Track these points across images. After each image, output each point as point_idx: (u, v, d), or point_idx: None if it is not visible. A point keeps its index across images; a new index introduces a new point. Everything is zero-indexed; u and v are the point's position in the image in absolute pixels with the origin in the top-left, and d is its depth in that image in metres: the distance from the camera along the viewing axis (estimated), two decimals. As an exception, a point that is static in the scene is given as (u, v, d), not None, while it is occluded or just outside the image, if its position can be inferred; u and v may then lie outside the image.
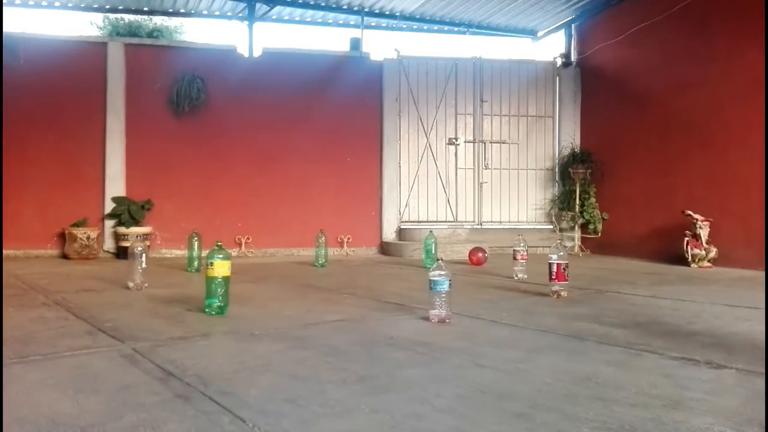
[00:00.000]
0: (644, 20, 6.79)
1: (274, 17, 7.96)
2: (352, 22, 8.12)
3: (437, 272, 2.78)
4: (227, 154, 7.19)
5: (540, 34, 8.66)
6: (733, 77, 5.86)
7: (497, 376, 1.88)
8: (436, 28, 8.48)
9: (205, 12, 7.84)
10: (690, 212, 5.87)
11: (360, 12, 7.87)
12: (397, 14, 8.04)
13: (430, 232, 5.85)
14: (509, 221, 7.89)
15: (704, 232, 5.76)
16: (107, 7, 7.68)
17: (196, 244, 5.28)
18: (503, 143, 7.92)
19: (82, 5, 7.55)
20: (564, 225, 7.74)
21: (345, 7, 7.83)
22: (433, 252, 5.62)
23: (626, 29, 7.07)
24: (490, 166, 7.87)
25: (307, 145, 7.39)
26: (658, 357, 2.14)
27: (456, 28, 8.40)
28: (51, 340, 2.38)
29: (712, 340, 2.42)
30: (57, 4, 7.34)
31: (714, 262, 5.73)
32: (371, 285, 4.37)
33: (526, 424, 1.46)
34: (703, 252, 5.72)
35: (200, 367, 1.97)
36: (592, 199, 7.53)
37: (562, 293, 3.58)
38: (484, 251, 5.98)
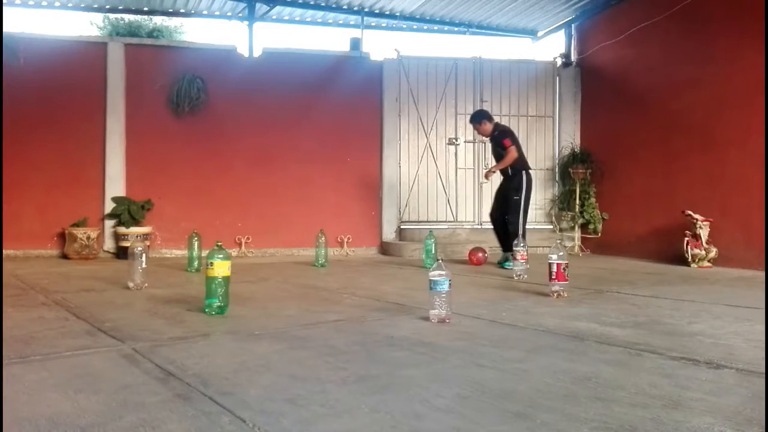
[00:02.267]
0: (644, 20, 6.79)
1: (274, 17, 7.96)
2: (352, 22, 8.12)
3: (437, 272, 2.78)
4: (227, 154, 7.19)
5: (540, 34, 8.66)
6: (733, 78, 5.86)
7: (497, 376, 1.88)
8: (436, 28, 8.48)
9: (205, 12, 7.84)
10: (690, 212, 5.87)
11: (360, 12, 7.87)
12: (397, 14, 8.04)
13: (430, 232, 5.86)
14: (509, 221, 7.88)
15: (704, 232, 5.76)
16: (107, 7, 7.68)
17: (196, 244, 5.28)
18: (503, 143, 7.91)
19: (82, 5, 7.55)
20: (564, 225, 7.74)
21: (345, 7, 7.83)
22: (433, 252, 5.62)
23: (626, 29, 7.07)
24: (490, 166, 7.85)
25: (307, 145, 7.39)
26: (658, 357, 2.14)
27: (456, 28, 8.40)
28: (51, 340, 2.38)
29: (712, 340, 2.42)
30: (57, 4, 7.34)
31: (714, 262, 5.73)
32: (371, 285, 4.37)
33: (526, 424, 1.46)
34: (703, 252, 5.72)
35: (200, 367, 1.97)
36: (592, 199, 7.53)
37: (562, 293, 3.58)
38: (484, 251, 6.00)
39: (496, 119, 7.96)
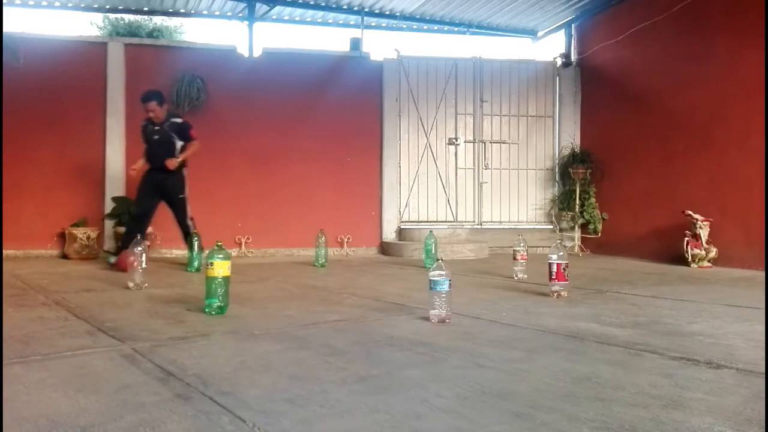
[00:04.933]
0: (644, 20, 6.79)
1: (274, 17, 7.96)
2: (352, 22, 8.12)
3: (437, 272, 2.78)
4: (227, 154, 7.18)
5: (540, 34, 8.66)
6: (733, 77, 5.86)
7: (497, 376, 1.88)
8: (436, 28, 8.48)
9: (205, 12, 7.84)
10: (690, 212, 5.87)
11: (360, 12, 7.87)
12: (397, 14, 8.04)
13: (430, 232, 5.85)
14: (509, 221, 7.89)
15: (704, 232, 5.76)
16: (107, 7, 7.68)
17: (196, 244, 5.29)
18: (503, 143, 7.92)
19: (82, 5, 7.55)
20: (564, 225, 7.74)
21: (345, 7, 7.83)
22: (433, 252, 5.62)
23: (626, 29, 7.07)
24: (490, 166, 7.87)
25: (307, 145, 7.39)
26: (658, 357, 2.14)
27: (456, 28, 8.40)
28: (51, 340, 2.38)
29: (712, 340, 2.42)
30: (57, 4, 7.34)
31: (714, 262, 5.73)
32: (371, 285, 4.37)
33: (526, 424, 1.46)
34: (703, 252, 5.72)
35: (200, 367, 1.97)
36: (592, 199, 7.54)
37: (562, 293, 3.58)
38: (135, 254, 4.92)
39: (497, 119, 8.08)
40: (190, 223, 5.52)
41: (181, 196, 5.45)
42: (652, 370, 1.97)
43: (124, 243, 5.22)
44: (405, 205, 7.73)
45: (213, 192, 7.13)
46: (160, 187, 5.44)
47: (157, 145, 5.42)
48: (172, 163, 5.34)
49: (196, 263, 5.21)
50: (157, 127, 5.42)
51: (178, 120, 5.48)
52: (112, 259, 5.30)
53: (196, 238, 5.32)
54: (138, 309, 3.19)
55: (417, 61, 7.81)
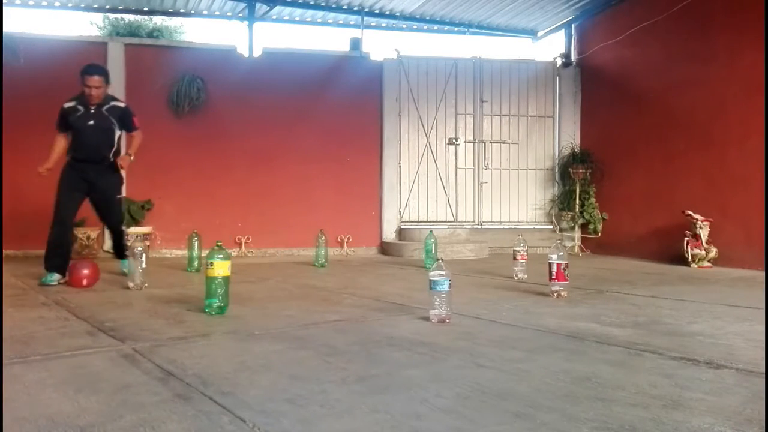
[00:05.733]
0: (644, 20, 6.79)
1: (274, 17, 7.96)
2: (352, 22, 8.12)
3: (437, 272, 2.78)
4: (227, 154, 7.19)
5: (540, 34, 8.66)
6: (733, 77, 5.86)
7: (497, 376, 1.88)
8: (436, 28, 8.48)
9: (205, 12, 7.84)
10: (690, 212, 5.87)
11: (360, 12, 7.87)
12: (397, 14, 8.04)
13: (430, 232, 5.85)
14: (509, 221, 7.89)
15: (704, 232, 5.76)
16: (107, 7, 7.69)
17: (196, 244, 5.29)
18: (503, 143, 7.92)
19: (82, 5, 7.55)
20: (564, 225, 7.75)
21: (345, 7, 7.83)
22: (433, 252, 5.62)
23: (626, 29, 7.06)
24: (490, 166, 7.87)
25: (307, 145, 7.39)
26: (658, 357, 2.14)
27: (456, 28, 8.40)
28: (51, 340, 2.38)
29: (712, 340, 2.42)
30: (57, 4, 7.34)
31: (714, 262, 5.73)
32: (371, 285, 4.37)
33: (526, 424, 1.46)
34: (703, 252, 5.72)
35: (200, 367, 1.97)
36: (592, 199, 7.53)
37: (562, 293, 3.58)
38: (94, 266, 4.17)
39: (497, 119, 8.08)
40: (124, 228, 4.87)
41: (118, 196, 4.66)
42: (652, 370, 1.97)
43: (50, 260, 4.20)
44: (405, 205, 7.73)
45: (213, 192, 7.14)
46: (89, 185, 4.51)
47: (92, 132, 4.42)
48: (125, 162, 4.47)
49: (195, 263, 5.21)
50: (92, 111, 4.44)
51: (121, 104, 4.57)
52: (52, 279, 4.11)
53: (196, 239, 5.32)
54: (138, 309, 3.19)
55: (417, 61, 7.81)
